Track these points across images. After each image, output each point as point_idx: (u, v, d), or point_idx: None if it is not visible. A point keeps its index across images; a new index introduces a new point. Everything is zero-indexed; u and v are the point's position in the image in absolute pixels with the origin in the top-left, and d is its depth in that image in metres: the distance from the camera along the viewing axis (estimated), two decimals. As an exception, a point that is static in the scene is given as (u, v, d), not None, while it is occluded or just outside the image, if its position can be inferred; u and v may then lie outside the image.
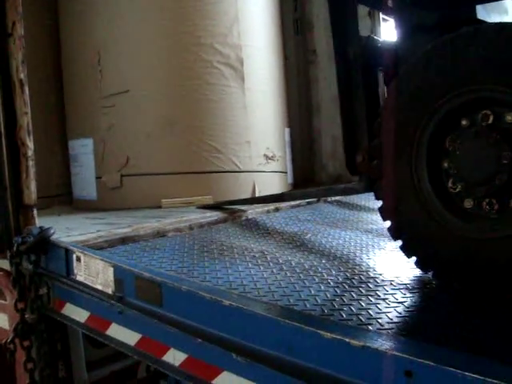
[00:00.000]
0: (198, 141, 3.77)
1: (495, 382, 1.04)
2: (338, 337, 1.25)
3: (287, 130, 4.53)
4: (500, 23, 1.68)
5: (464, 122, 1.73)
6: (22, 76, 2.52)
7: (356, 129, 2.25)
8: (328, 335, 1.27)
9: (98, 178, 3.97)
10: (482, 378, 1.06)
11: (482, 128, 1.69)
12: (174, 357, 1.75)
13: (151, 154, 3.80)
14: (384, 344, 1.22)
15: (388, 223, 1.98)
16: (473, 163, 1.72)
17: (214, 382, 1.62)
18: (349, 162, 2.29)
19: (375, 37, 2.33)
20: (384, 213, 2.00)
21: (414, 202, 1.83)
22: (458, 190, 1.77)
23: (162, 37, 3.83)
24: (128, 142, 3.84)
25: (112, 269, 1.98)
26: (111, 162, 3.90)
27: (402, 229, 1.93)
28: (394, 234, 1.97)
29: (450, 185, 1.79)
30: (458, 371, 1.10)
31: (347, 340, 1.23)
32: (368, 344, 1.21)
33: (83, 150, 4.04)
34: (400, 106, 1.86)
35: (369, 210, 3.53)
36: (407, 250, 1.94)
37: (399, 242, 1.95)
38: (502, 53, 1.58)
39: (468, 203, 1.74)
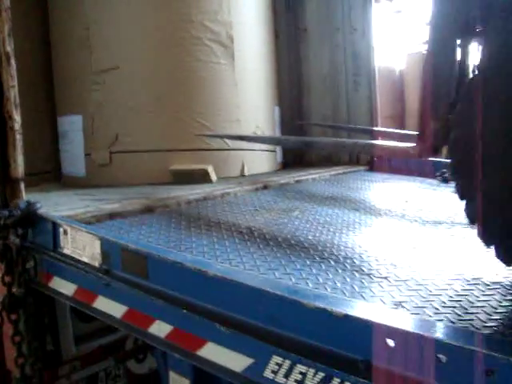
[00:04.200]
0: (188, 118, 3.76)
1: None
2: (321, 306, 1.27)
3: (277, 109, 4.52)
4: None
5: None
6: (8, 49, 2.49)
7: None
8: (310, 304, 1.28)
9: (87, 154, 3.95)
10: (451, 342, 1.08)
11: None
12: (160, 328, 1.76)
13: (141, 131, 3.78)
14: (365, 313, 1.24)
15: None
16: None
17: (198, 352, 1.64)
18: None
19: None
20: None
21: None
22: None
23: (152, 13, 3.78)
24: (117, 118, 3.81)
25: (99, 242, 1.98)
26: (100, 139, 3.87)
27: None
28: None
29: None
30: (438, 337, 1.12)
31: (329, 309, 1.25)
32: (350, 313, 1.23)
33: (72, 126, 4.01)
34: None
35: (357, 189, 3.55)
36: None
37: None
38: None
39: None
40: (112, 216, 2.63)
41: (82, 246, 2.08)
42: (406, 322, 1.22)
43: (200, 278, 1.58)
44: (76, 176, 4.05)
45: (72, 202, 3.03)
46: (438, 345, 1.14)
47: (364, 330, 1.22)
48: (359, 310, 1.27)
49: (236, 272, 1.66)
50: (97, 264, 2.01)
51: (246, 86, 4.01)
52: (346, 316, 1.23)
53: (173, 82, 3.78)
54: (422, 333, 1.17)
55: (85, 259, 2.07)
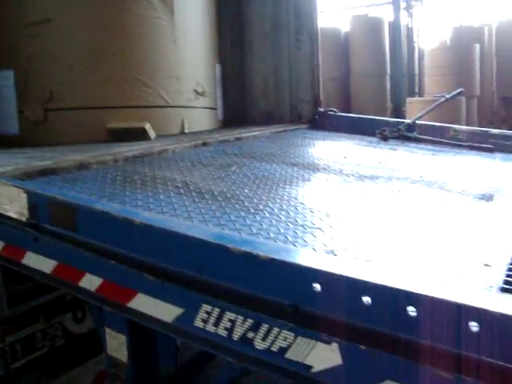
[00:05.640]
0: (126, 74, 3.64)
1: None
2: (246, 250, 1.25)
3: (218, 67, 4.45)
4: None
5: None
6: None
7: None
8: (236, 249, 1.27)
9: (20, 112, 3.79)
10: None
11: None
12: (90, 282, 1.72)
13: (77, 88, 3.63)
14: (292, 257, 1.23)
15: None
16: None
17: (129, 304, 1.61)
18: None
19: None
20: None
21: None
22: None
23: (87, -37, 3.63)
24: (52, 74, 3.65)
25: (25, 195, 1.91)
26: (34, 96, 3.70)
27: None
28: None
29: None
30: (360, 279, 1.13)
31: (254, 253, 1.24)
32: (276, 257, 1.22)
33: (3, 82, 3.82)
34: None
35: (297, 146, 3.55)
36: None
37: None
38: None
39: None
40: (44, 173, 2.53)
41: (8, 200, 1.99)
42: (332, 265, 1.22)
43: (127, 227, 1.54)
44: (9, 134, 3.89)
45: (3, 160, 2.90)
46: (364, 288, 1.15)
47: (290, 273, 1.22)
48: (286, 254, 1.27)
49: (163, 220, 1.62)
50: (24, 219, 1.93)
51: (185, 43, 3.91)
52: (272, 260, 1.22)
53: (109, 37, 3.64)
54: (346, 275, 1.17)
55: (12, 214, 1.99)
